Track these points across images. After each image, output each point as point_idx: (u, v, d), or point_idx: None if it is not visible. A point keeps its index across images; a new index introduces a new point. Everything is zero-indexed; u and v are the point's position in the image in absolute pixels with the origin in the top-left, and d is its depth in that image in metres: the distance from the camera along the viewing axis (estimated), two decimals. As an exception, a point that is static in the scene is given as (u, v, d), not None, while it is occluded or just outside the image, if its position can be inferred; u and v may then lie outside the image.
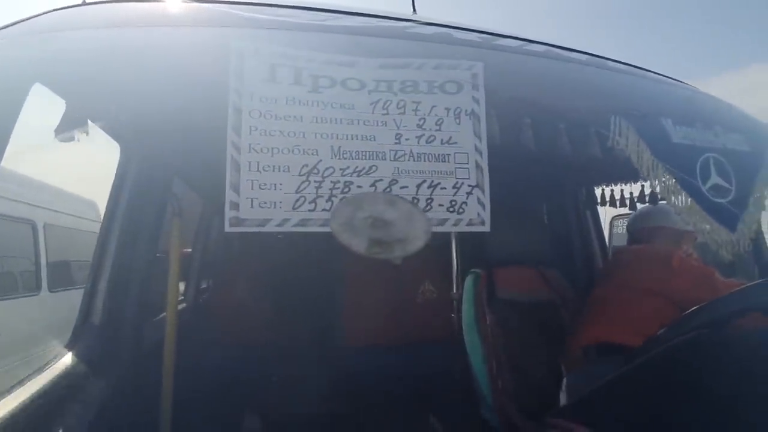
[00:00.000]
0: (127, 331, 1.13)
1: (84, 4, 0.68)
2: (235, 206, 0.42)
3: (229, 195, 0.42)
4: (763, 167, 0.54)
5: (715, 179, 0.50)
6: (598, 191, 1.60)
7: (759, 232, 1.16)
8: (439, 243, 1.46)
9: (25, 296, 3.09)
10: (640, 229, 1.28)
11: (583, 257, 1.66)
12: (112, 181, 1.18)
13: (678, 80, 0.85)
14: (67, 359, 0.96)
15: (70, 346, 1.02)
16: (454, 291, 1.51)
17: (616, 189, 1.42)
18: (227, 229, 0.42)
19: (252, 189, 0.43)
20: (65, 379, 0.89)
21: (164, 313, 1.16)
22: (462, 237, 1.42)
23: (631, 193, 1.32)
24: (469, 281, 1.29)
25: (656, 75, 0.77)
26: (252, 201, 0.43)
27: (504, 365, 1.18)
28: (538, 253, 1.47)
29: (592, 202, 1.67)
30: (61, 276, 3.61)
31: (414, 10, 1.37)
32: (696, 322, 0.66)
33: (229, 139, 0.43)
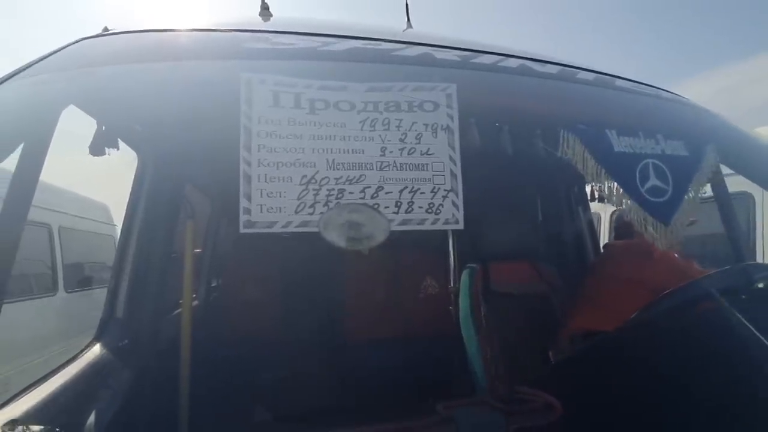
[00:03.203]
0: (147, 324, 1.23)
1: (106, 33, 0.76)
2: (248, 211, 0.51)
3: (243, 202, 0.51)
4: (700, 171, 0.62)
5: (653, 181, 0.58)
6: (588, 188, 1.67)
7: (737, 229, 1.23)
8: (437, 241, 1.55)
9: (44, 297, 3.22)
10: (625, 224, 1.35)
11: (575, 251, 1.73)
12: (129, 188, 1.28)
13: (643, 83, 0.92)
14: (96, 349, 1.06)
15: (97, 338, 1.12)
16: (452, 285, 1.59)
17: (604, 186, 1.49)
18: (241, 230, 0.51)
19: (261, 197, 0.52)
20: (94, 366, 1.00)
21: (180, 309, 1.25)
22: (459, 235, 1.51)
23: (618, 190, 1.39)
24: (465, 275, 1.38)
25: (620, 81, 0.85)
26: (261, 207, 0.51)
27: (497, 353, 1.26)
28: (532, 248, 1.55)
29: (583, 199, 1.74)
30: (76, 277, 3.74)
31: (408, 20, 1.45)
32: (657, 309, 0.73)
33: (242, 156, 0.52)
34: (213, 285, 1.92)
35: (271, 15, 1.10)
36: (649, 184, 0.58)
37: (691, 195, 0.60)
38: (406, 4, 1.45)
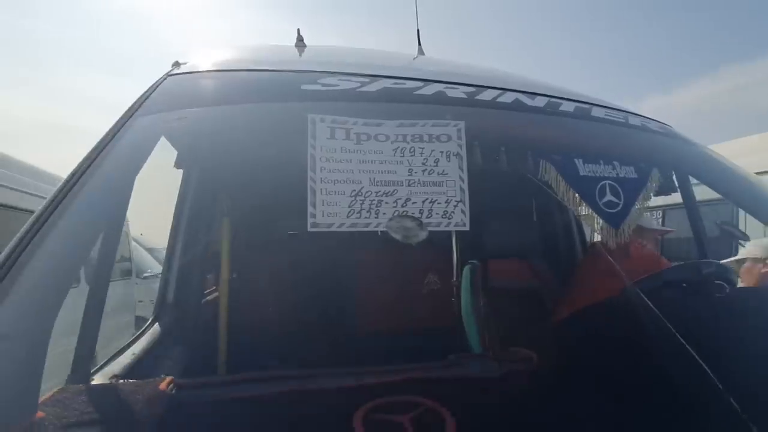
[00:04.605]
0: (191, 306, 1.43)
1: (186, 72, 0.95)
2: (313, 215, 0.70)
3: (309, 209, 0.70)
4: (645, 189, 0.82)
5: (609, 197, 0.78)
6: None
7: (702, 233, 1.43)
8: (442, 242, 1.75)
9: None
10: None
11: (566, 250, 1.92)
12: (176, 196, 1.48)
13: (617, 108, 1.11)
14: (156, 326, 1.27)
15: (156, 317, 1.33)
16: (455, 279, 1.79)
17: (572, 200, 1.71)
18: (309, 229, 0.70)
19: (322, 205, 0.71)
20: (154, 338, 1.20)
21: (216, 293, 1.46)
22: (462, 236, 1.71)
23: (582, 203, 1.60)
24: (466, 271, 1.58)
25: (596, 110, 1.04)
26: (322, 212, 0.71)
27: (494, 339, 1.46)
28: (526, 247, 1.75)
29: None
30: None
31: (419, 44, 1.64)
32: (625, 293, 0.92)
33: (309, 175, 0.71)
34: (242, 275, 2.12)
35: (305, 46, 1.30)
36: (605, 199, 0.78)
37: (636, 207, 0.80)
38: (417, 31, 1.65)
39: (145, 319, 1.37)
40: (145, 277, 5.37)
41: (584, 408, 0.55)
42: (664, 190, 0.95)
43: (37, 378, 0.49)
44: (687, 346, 0.62)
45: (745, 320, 0.78)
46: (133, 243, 5.41)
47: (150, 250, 6.30)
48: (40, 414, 0.47)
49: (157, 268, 5.60)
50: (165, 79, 0.90)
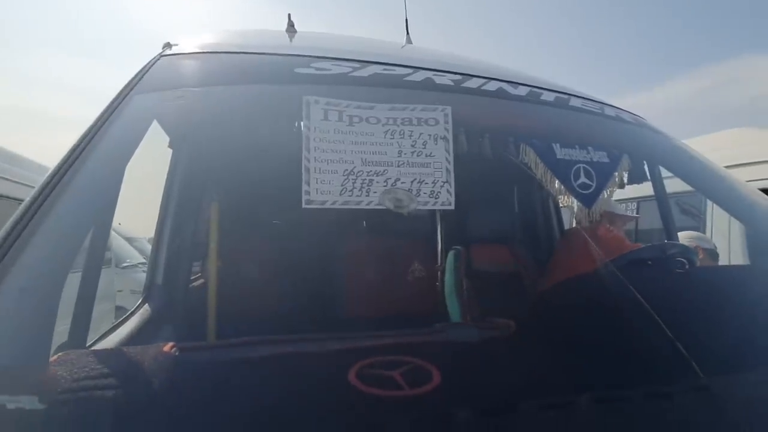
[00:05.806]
0: (180, 289, 1.45)
1: (179, 53, 0.96)
2: (308, 193, 0.74)
3: (304, 186, 0.74)
4: (615, 173, 0.89)
5: (583, 179, 0.84)
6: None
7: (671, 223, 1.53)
8: (428, 229, 1.80)
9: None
10: None
11: (545, 236, 2.02)
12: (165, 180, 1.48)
13: (593, 99, 1.18)
14: (146, 307, 1.28)
15: (145, 299, 1.34)
16: (439, 264, 1.85)
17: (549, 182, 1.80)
18: (303, 206, 0.73)
19: (316, 183, 0.74)
20: (144, 318, 1.22)
21: (208, 274, 1.48)
22: (447, 222, 1.77)
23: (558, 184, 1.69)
24: (450, 256, 1.65)
25: (574, 100, 1.10)
26: (316, 189, 0.74)
27: (475, 312, 1.53)
28: (507, 233, 1.83)
29: (552, 194, 2.02)
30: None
31: (408, 34, 1.68)
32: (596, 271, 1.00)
33: (303, 155, 0.74)
34: (234, 256, 2.14)
35: (296, 31, 1.31)
36: (579, 181, 0.84)
37: (607, 191, 0.87)
38: (406, 20, 1.68)
39: (125, 309, 1.39)
40: (125, 267, 5.27)
41: (553, 365, 0.62)
42: (636, 178, 1.02)
43: (47, 339, 0.52)
44: (652, 311, 0.69)
45: (699, 290, 0.87)
46: (112, 232, 5.30)
47: (129, 240, 6.18)
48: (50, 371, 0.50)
49: (137, 258, 5.50)
50: (158, 59, 0.91)
